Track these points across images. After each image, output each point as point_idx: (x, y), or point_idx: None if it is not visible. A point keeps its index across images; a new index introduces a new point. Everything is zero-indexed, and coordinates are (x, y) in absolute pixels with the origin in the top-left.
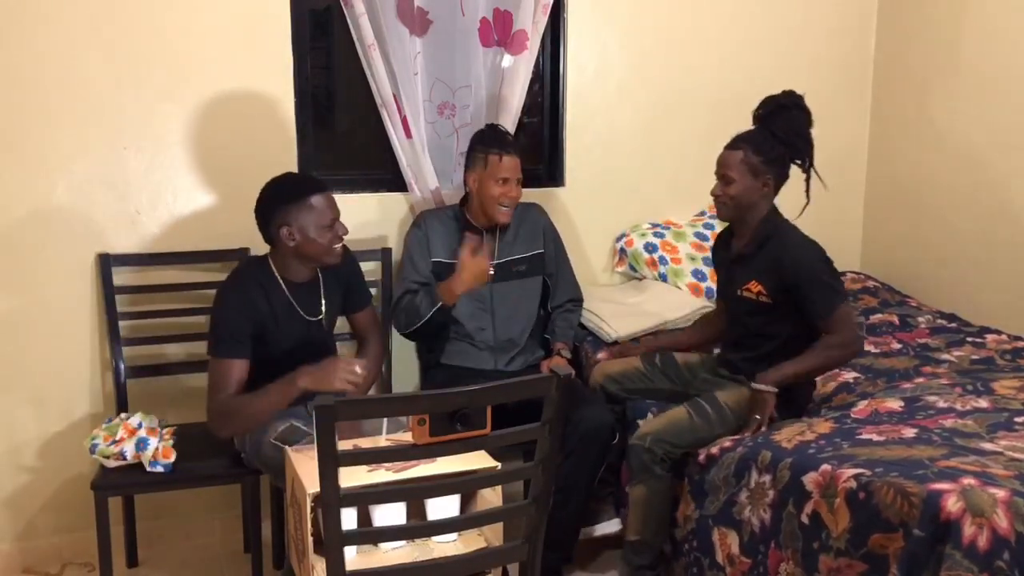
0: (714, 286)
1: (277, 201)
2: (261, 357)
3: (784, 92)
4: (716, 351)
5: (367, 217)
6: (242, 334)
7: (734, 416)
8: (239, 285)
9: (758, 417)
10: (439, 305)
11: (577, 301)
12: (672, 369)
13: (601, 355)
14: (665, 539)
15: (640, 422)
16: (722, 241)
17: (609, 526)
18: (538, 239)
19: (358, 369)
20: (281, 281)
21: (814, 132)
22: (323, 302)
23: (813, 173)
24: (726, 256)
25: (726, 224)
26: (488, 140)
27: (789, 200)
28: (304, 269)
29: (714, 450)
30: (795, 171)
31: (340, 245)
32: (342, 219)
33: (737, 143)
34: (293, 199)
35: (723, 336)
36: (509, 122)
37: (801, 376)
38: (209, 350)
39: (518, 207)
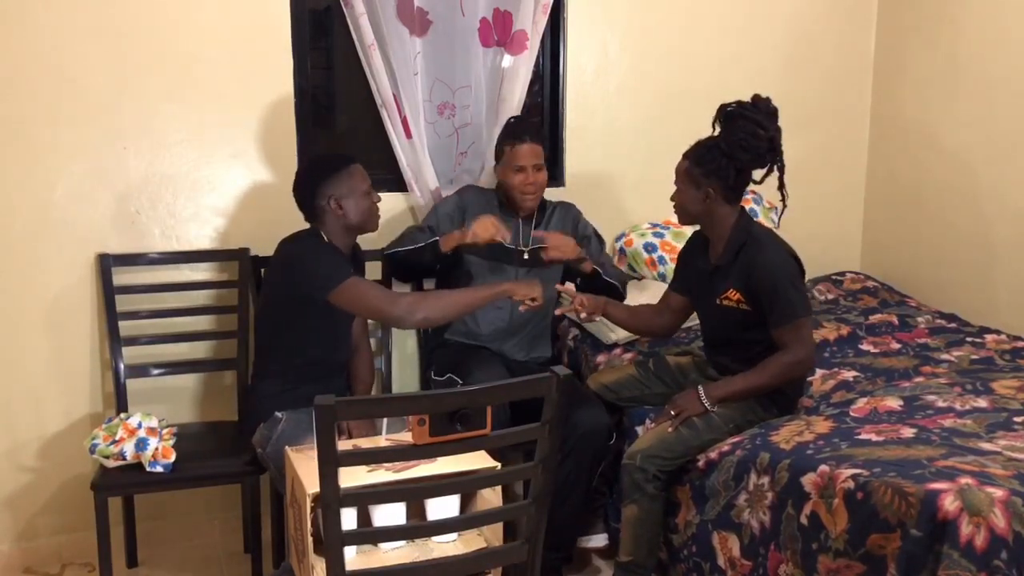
0: None
1: (322, 176)
2: (311, 313)
3: (737, 101)
4: (703, 355)
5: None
6: (343, 261)
7: (722, 420)
8: (312, 239)
9: (673, 413)
10: (434, 240)
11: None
12: (665, 372)
13: (600, 358)
14: (657, 559)
15: (639, 429)
16: (696, 247)
17: (596, 540)
18: (568, 231)
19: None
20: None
21: (783, 137)
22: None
23: (779, 180)
24: (704, 267)
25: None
26: (504, 132)
27: (794, 202)
28: (348, 240)
29: (713, 455)
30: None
31: (379, 212)
32: None
33: (687, 152)
34: (335, 171)
35: (659, 334)
36: None
37: (749, 393)
38: (333, 285)
39: (553, 203)
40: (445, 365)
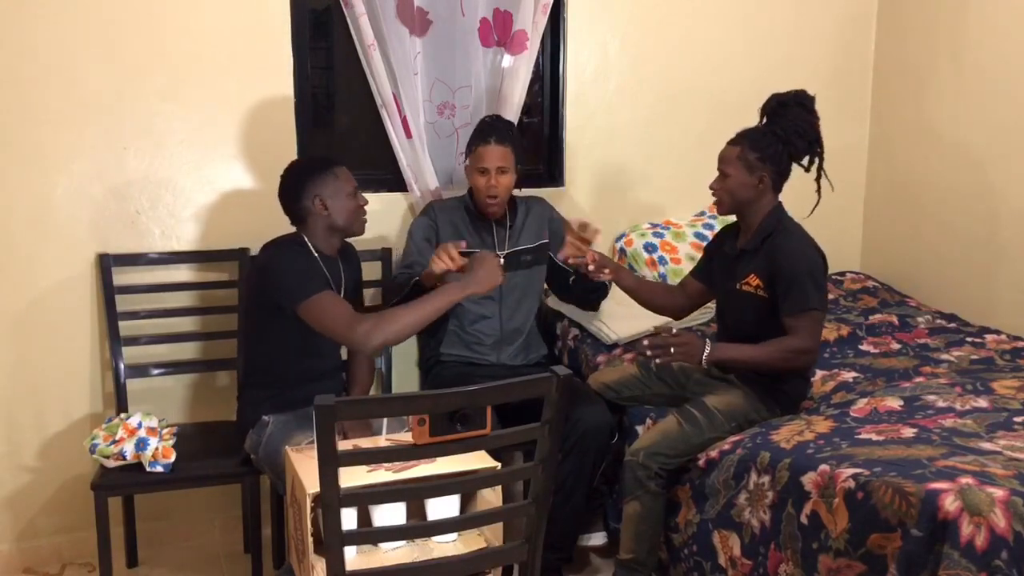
0: None
1: (306, 176)
2: (287, 320)
3: (794, 90)
4: None
5: (367, 217)
6: (318, 273)
7: (724, 419)
8: (292, 246)
9: (672, 351)
10: (415, 280)
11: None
12: (667, 373)
13: (600, 358)
14: (657, 557)
15: (639, 428)
16: (728, 236)
17: (595, 539)
18: (543, 229)
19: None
20: (316, 254)
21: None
22: (343, 279)
23: (823, 173)
24: (730, 252)
25: (727, 222)
26: (474, 133)
27: (795, 199)
28: (334, 242)
29: (714, 453)
30: (803, 168)
31: (366, 215)
32: None
33: (737, 138)
34: (320, 171)
35: (665, 313)
36: None
37: (749, 365)
38: (300, 299)
39: (525, 201)
40: (441, 388)
